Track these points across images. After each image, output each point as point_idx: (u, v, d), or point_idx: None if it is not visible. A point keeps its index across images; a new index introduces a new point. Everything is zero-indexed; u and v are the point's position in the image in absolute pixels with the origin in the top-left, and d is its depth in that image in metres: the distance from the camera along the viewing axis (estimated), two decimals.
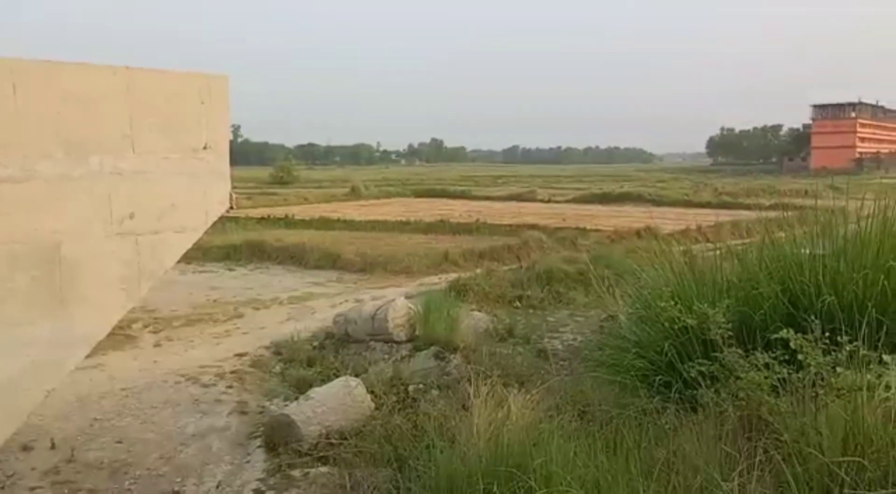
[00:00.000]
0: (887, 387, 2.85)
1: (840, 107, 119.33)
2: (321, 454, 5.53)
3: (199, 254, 15.38)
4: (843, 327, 3.59)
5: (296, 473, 5.41)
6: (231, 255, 16.73)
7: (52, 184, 3.54)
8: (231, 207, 4.25)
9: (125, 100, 3.74)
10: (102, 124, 3.70)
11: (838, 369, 3.08)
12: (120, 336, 9.09)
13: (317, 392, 6.30)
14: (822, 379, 3.15)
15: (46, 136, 3.52)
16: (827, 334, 3.54)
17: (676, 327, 4.29)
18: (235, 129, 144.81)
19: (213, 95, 4.14)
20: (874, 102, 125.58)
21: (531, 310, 10.90)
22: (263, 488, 5.26)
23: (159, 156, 3.92)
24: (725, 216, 17.99)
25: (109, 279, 3.82)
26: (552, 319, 10.41)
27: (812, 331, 3.54)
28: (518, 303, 11.23)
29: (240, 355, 8.71)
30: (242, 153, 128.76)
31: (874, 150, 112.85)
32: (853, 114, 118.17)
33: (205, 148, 4.07)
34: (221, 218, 4.50)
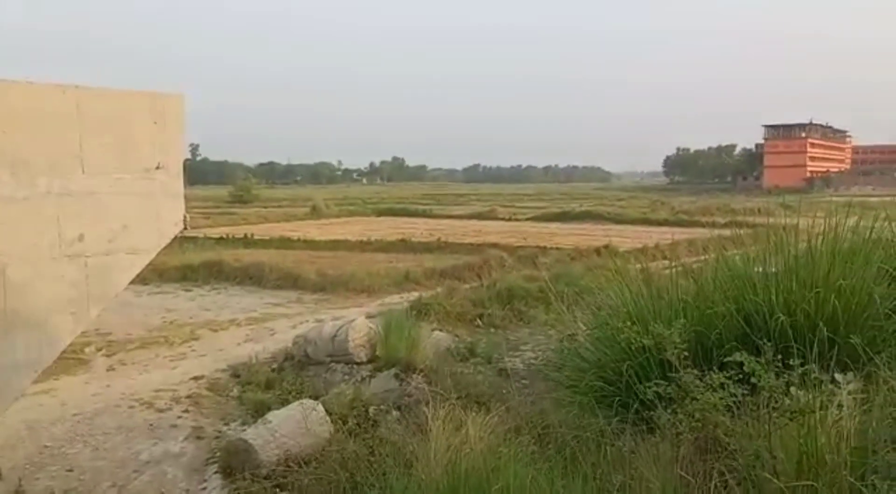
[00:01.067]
0: (839, 407, 2.89)
1: (791, 127, 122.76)
2: (279, 480, 5.43)
3: (154, 276, 15.12)
4: (796, 346, 3.65)
5: None
6: (188, 276, 16.44)
7: None
8: (185, 228, 4.18)
9: (75, 119, 3.66)
10: (51, 144, 3.62)
11: (792, 390, 3.12)
12: (72, 359, 8.86)
13: (275, 415, 6.20)
14: (776, 401, 3.18)
15: None
16: (780, 356, 3.58)
17: (633, 347, 4.32)
18: (194, 148, 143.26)
19: (166, 115, 4.08)
20: (824, 123, 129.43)
21: (492, 329, 10.90)
22: None
23: (111, 177, 3.84)
24: (682, 234, 18.28)
25: (57, 302, 3.72)
26: (513, 338, 10.43)
27: (764, 353, 3.58)
28: (479, 322, 11.22)
29: (196, 378, 8.54)
30: (201, 172, 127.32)
31: (824, 169, 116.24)
32: (804, 135, 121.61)
33: (158, 168, 4.00)
34: (178, 237, 4.42)
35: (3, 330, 3.52)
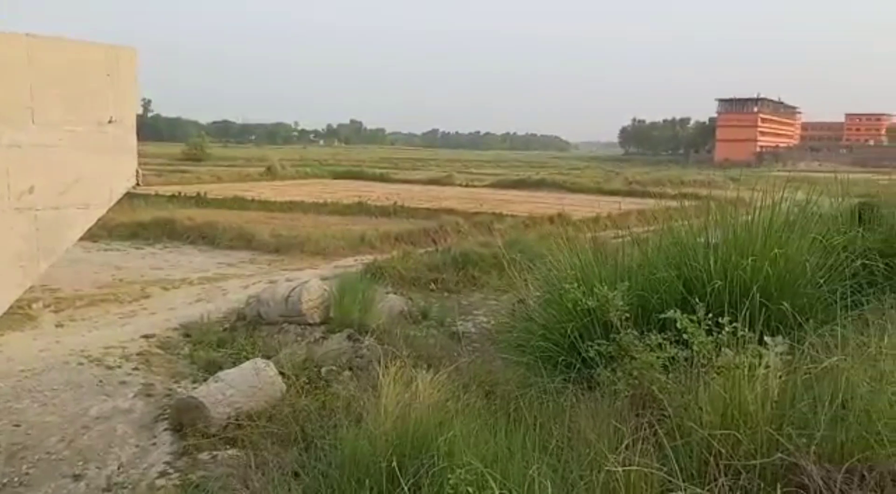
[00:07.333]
0: (766, 367, 3.08)
1: (743, 101, 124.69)
2: (229, 436, 5.50)
3: (104, 232, 14.87)
4: (732, 310, 3.85)
5: (203, 455, 5.37)
6: (139, 234, 16.22)
7: None
8: (137, 184, 4.15)
9: (25, 69, 3.58)
10: (0, 94, 3.54)
11: (724, 349, 3.31)
12: (19, 315, 8.74)
13: (226, 374, 6.24)
14: (707, 358, 3.38)
15: None
16: (710, 315, 3.79)
17: (579, 309, 4.49)
18: (146, 104, 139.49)
19: (120, 68, 4.01)
20: (775, 98, 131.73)
21: (446, 294, 11.07)
22: (170, 470, 5.19)
23: (62, 129, 3.78)
24: (633, 204, 18.62)
25: (6, 255, 3.67)
26: (466, 302, 10.62)
27: (697, 312, 3.78)
28: (433, 286, 11.38)
29: (147, 336, 8.51)
30: (153, 128, 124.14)
31: (774, 144, 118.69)
32: (755, 109, 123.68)
33: (110, 122, 3.94)
34: (129, 194, 4.38)
35: None
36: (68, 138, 3.77)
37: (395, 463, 2.91)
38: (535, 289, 5.94)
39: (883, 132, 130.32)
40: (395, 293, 10.35)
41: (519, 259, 7.24)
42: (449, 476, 2.68)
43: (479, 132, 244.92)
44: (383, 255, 13.61)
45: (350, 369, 6.88)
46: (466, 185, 36.45)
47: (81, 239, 4.24)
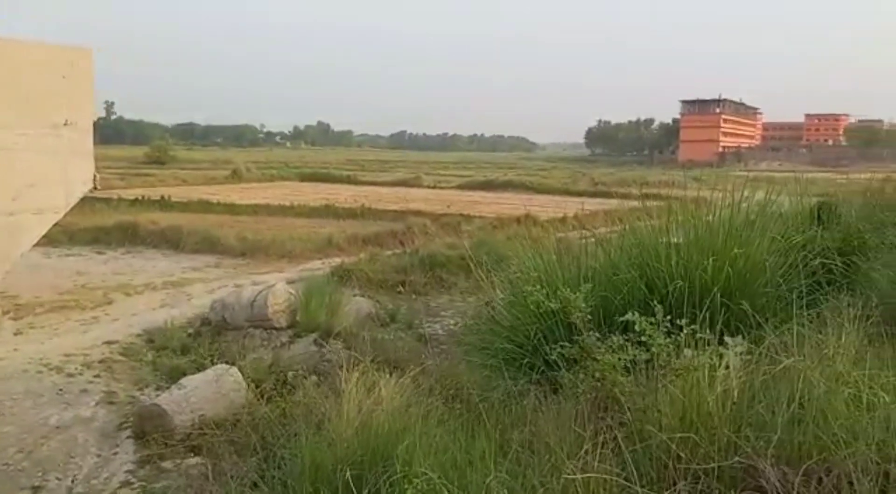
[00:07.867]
0: (727, 367, 3.10)
1: (706, 103, 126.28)
2: (193, 443, 5.43)
3: (64, 237, 14.59)
4: (693, 310, 3.88)
5: (167, 464, 5.30)
6: (101, 238, 15.94)
7: None
8: (95, 187, 4.06)
9: None
10: None
11: (686, 351, 3.32)
12: None
13: (190, 380, 6.16)
14: (666, 360, 3.39)
15: None
16: (671, 316, 3.81)
17: (542, 311, 4.50)
18: (109, 106, 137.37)
19: (75, 69, 3.93)
20: (737, 99, 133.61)
21: (414, 296, 11.04)
22: (133, 480, 5.11)
23: (15, 132, 3.68)
24: (599, 205, 18.76)
25: None
26: (434, 304, 10.61)
27: (656, 315, 3.80)
28: (401, 289, 11.34)
29: (109, 343, 8.37)
30: (116, 131, 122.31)
31: (736, 145, 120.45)
32: (717, 110, 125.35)
33: (66, 124, 3.85)
34: (91, 198, 4.30)
35: None
36: (21, 141, 3.68)
37: (353, 473, 2.87)
38: (500, 291, 5.93)
39: (841, 132, 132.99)
40: (362, 295, 10.30)
41: (486, 260, 7.24)
42: (406, 486, 2.64)
43: (446, 134, 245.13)
44: (350, 258, 13.56)
45: (316, 374, 6.82)
46: (434, 187, 36.46)
47: (41, 244, 4.16)
